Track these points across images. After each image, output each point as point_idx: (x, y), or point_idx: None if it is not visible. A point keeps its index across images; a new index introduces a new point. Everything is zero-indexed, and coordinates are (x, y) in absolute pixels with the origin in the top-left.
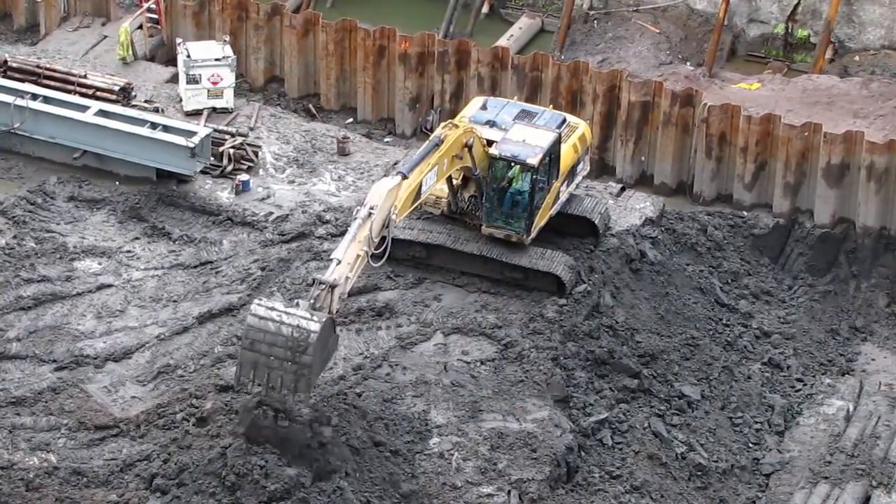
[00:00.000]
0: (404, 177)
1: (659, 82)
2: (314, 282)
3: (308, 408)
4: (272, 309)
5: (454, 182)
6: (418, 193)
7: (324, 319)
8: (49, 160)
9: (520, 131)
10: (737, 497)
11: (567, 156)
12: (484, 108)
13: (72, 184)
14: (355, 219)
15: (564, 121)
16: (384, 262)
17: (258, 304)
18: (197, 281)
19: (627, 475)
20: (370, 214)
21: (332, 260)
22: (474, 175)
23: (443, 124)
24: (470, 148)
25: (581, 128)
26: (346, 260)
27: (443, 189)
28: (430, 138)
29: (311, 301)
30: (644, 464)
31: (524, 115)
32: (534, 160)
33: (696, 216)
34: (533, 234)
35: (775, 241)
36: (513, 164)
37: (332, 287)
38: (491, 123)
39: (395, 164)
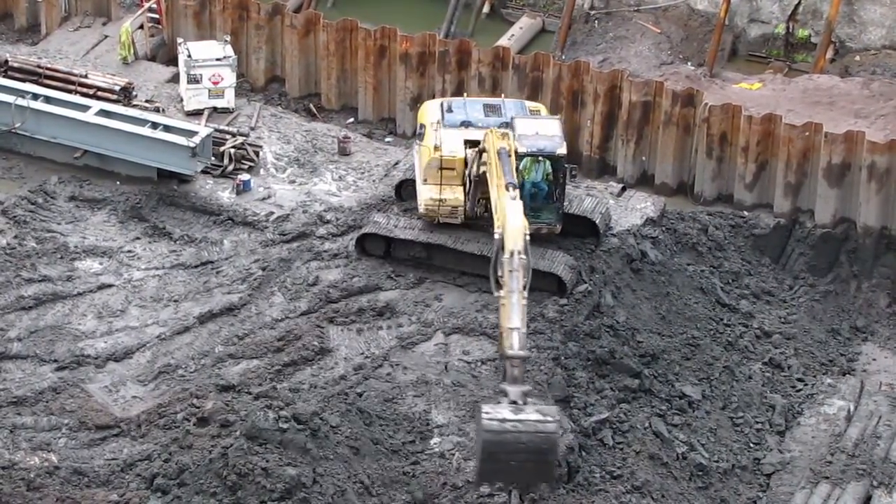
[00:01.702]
0: (515, 186)
1: (660, 82)
2: (507, 360)
3: None
4: (504, 420)
5: (465, 188)
6: None
7: (556, 417)
8: (50, 160)
9: (527, 125)
10: (738, 497)
11: None
12: (450, 110)
13: (73, 184)
14: (511, 272)
15: (524, 106)
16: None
17: (488, 419)
18: (198, 281)
19: (628, 475)
20: (521, 259)
21: (512, 330)
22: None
23: (490, 134)
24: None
25: (542, 111)
26: (522, 319)
27: (457, 198)
28: (497, 151)
29: (512, 381)
30: (645, 464)
31: (491, 109)
32: (562, 150)
33: (697, 216)
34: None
35: (776, 241)
36: (540, 158)
37: (525, 359)
38: (466, 124)
39: (397, 163)
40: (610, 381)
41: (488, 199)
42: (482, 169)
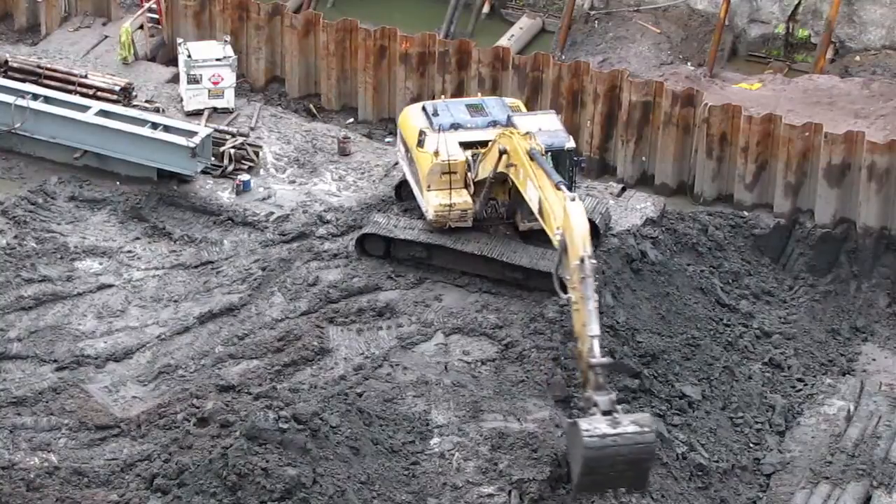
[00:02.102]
0: (568, 186)
1: (660, 82)
2: (593, 369)
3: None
4: (604, 436)
5: (470, 189)
6: None
7: (653, 426)
8: (50, 160)
9: (527, 122)
10: (737, 497)
11: None
12: (435, 114)
13: (73, 184)
14: (584, 278)
15: (504, 104)
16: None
17: (588, 436)
18: (198, 281)
19: None
20: (592, 264)
21: (593, 339)
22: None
23: (512, 136)
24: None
25: (521, 107)
26: (599, 325)
27: (466, 201)
28: (529, 152)
29: (597, 389)
30: None
31: (475, 109)
32: (571, 143)
33: (697, 216)
34: None
35: (776, 242)
36: (550, 153)
37: (608, 366)
38: (456, 126)
39: (397, 164)
40: (610, 381)
41: (498, 201)
42: (499, 170)
